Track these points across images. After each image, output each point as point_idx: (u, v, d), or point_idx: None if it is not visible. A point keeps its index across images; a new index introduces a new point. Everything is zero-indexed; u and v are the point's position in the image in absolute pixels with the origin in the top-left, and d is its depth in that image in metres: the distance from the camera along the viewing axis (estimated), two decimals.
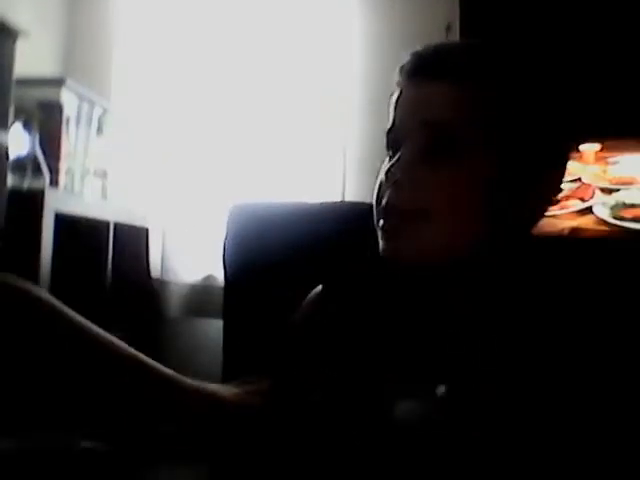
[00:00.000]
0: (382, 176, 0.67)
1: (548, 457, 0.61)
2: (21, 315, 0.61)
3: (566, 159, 0.73)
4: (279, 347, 0.81)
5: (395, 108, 0.69)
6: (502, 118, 0.66)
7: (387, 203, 0.64)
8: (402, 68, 0.70)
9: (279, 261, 1.09)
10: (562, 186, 0.73)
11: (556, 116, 0.72)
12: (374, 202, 0.68)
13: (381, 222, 0.66)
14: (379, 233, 0.67)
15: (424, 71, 0.66)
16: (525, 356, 0.65)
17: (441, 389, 0.65)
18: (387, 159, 0.69)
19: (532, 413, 0.63)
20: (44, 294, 0.64)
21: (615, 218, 1.69)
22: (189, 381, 0.70)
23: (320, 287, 0.80)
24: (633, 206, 1.69)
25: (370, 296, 0.74)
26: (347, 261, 0.84)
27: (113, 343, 0.67)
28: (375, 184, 0.69)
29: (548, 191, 0.71)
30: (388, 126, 0.69)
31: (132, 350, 0.68)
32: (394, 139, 0.67)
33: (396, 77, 0.70)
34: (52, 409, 0.63)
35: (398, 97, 0.69)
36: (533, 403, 0.63)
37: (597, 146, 1.73)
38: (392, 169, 0.64)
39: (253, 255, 1.12)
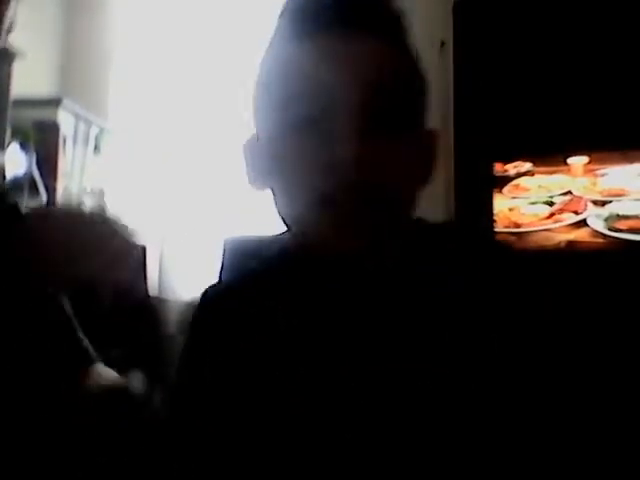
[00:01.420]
0: (310, 158, 0.54)
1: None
2: None
3: None
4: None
5: (312, 70, 0.53)
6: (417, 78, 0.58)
7: (339, 188, 0.52)
8: (305, 12, 0.55)
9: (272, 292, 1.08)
10: None
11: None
12: (296, 194, 0.55)
13: (321, 212, 0.54)
14: (311, 226, 0.55)
15: (356, 21, 0.53)
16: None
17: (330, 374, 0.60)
18: (290, 139, 0.55)
19: None
20: None
21: (610, 230, 1.70)
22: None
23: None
24: (627, 217, 1.70)
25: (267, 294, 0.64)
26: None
27: None
28: (284, 169, 0.56)
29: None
30: (295, 91, 0.54)
31: None
32: (314, 111, 0.53)
33: (288, 25, 0.56)
34: None
35: (311, 55, 0.54)
36: None
37: (585, 159, 1.74)
38: (339, 150, 0.52)
39: (248, 290, 1.11)
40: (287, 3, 0.57)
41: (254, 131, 0.62)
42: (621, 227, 1.69)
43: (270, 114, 0.57)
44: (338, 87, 0.53)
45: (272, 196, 0.59)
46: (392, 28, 0.57)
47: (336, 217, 0.53)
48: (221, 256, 1.17)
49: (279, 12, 0.58)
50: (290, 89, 0.54)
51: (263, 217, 1.33)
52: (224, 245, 1.18)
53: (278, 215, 0.59)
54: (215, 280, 1.09)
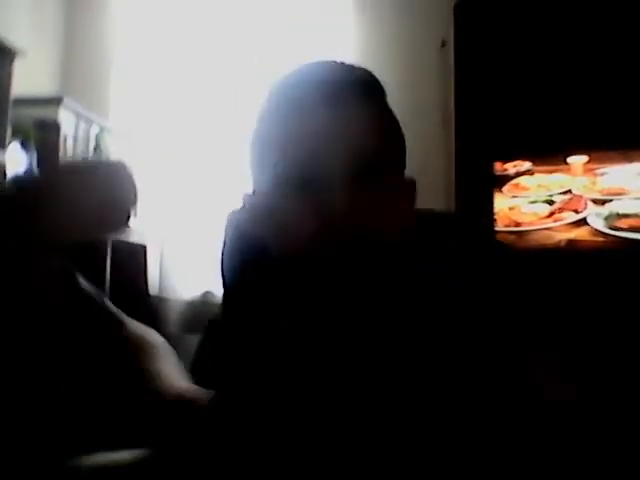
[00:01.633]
0: (305, 212, 0.59)
1: None
2: None
3: None
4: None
5: (306, 139, 0.60)
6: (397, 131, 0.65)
7: (333, 240, 0.58)
8: (296, 92, 0.62)
9: (278, 271, 1.09)
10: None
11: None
12: (292, 243, 0.60)
13: (314, 257, 0.59)
14: (302, 268, 0.60)
15: (338, 94, 0.60)
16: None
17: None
18: (285, 196, 0.61)
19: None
20: None
21: (611, 228, 1.70)
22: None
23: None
24: (627, 216, 1.70)
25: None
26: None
27: None
28: (279, 220, 0.61)
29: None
30: (285, 160, 0.61)
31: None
32: (308, 174, 0.59)
33: (284, 103, 0.63)
34: None
35: (304, 127, 0.60)
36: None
37: (584, 158, 1.74)
38: (330, 207, 0.58)
39: (251, 263, 1.12)
40: (281, 78, 0.65)
41: (251, 183, 0.68)
42: (621, 226, 1.69)
43: (264, 172, 0.64)
44: (325, 150, 0.59)
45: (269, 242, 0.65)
46: (371, 95, 0.63)
47: (327, 262, 0.59)
48: (224, 230, 1.17)
49: (272, 81, 0.65)
50: (282, 152, 0.61)
51: None
52: (228, 219, 1.18)
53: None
54: (217, 269, 1.10)
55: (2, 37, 1.53)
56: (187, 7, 2.19)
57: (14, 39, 1.59)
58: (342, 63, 0.65)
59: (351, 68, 0.65)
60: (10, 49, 1.55)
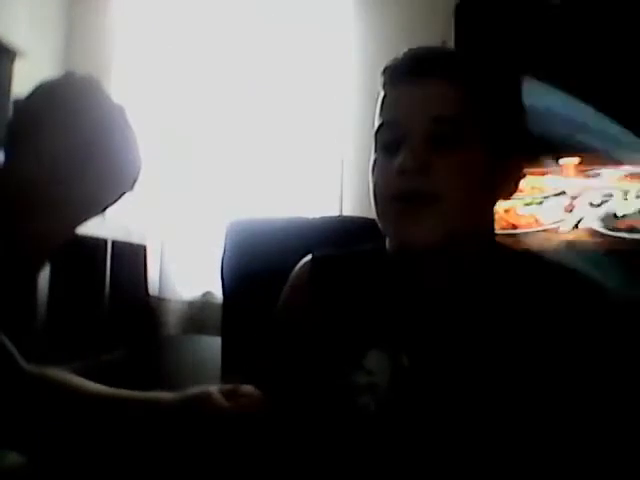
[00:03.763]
0: (389, 169, 0.72)
1: (511, 425, 0.67)
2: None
3: (525, 150, 0.85)
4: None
5: (393, 107, 0.75)
6: (489, 113, 0.76)
7: (403, 190, 0.70)
8: (393, 69, 0.76)
9: (277, 276, 1.09)
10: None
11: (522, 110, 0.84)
12: (379, 195, 0.74)
13: (394, 210, 0.72)
14: (388, 222, 0.74)
15: (424, 71, 0.73)
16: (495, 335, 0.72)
17: (404, 359, 0.72)
18: (381, 157, 0.75)
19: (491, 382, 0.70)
20: None
21: (609, 229, 1.70)
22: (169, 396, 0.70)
23: (309, 257, 0.85)
24: (624, 216, 1.70)
25: (357, 275, 0.81)
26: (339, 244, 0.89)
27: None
28: (375, 179, 0.76)
29: (517, 179, 0.82)
30: (381, 124, 0.75)
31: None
32: (394, 137, 0.73)
33: (384, 78, 0.77)
34: None
35: (394, 96, 0.75)
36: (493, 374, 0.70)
37: (576, 160, 1.75)
38: (403, 161, 0.70)
39: (251, 271, 1.12)
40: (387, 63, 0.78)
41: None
42: (619, 226, 1.69)
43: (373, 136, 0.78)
44: (409, 118, 0.73)
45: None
46: (453, 72, 0.74)
47: (402, 213, 0.72)
48: (224, 239, 1.17)
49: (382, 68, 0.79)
50: (378, 116, 0.77)
51: (263, 216, 1.33)
52: (227, 228, 1.19)
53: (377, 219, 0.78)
54: (216, 270, 1.11)
55: (2, 37, 1.53)
56: (188, 6, 2.19)
57: (14, 39, 1.59)
58: (437, 46, 0.81)
59: (442, 49, 0.81)
60: (10, 49, 1.55)
